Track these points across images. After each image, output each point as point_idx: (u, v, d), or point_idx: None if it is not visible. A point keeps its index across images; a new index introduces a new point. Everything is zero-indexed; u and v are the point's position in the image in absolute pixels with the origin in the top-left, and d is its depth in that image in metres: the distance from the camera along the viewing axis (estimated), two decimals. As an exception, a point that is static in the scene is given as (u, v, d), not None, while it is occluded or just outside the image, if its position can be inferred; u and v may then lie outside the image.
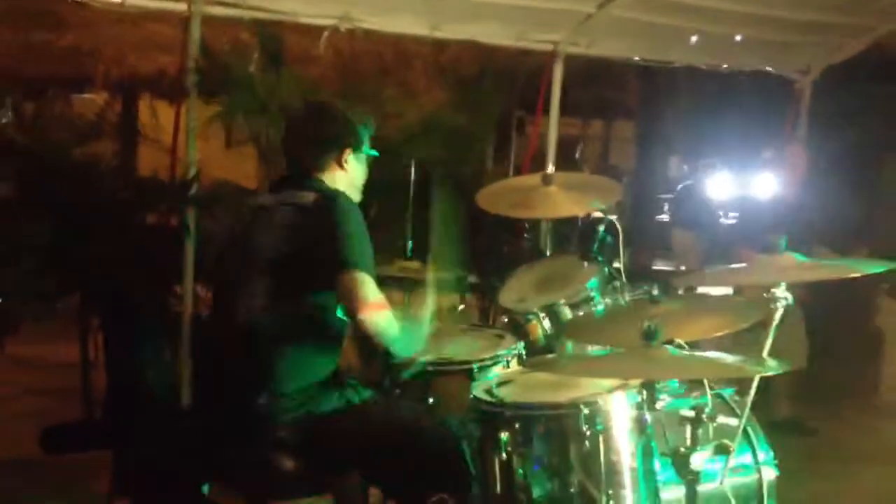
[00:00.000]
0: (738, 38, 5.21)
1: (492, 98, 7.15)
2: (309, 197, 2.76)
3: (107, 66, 6.55)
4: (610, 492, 2.64)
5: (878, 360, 5.36)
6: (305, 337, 2.71)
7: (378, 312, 2.62)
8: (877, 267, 2.64)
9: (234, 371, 2.75)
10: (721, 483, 2.62)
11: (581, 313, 3.35)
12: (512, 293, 3.58)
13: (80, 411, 4.57)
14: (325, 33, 4.65)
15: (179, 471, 3.15)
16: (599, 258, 3.51)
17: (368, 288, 2.60)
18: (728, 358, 2.50)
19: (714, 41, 5.41)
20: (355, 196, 2.94)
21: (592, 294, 3.39)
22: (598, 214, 3.60)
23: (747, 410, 2.68)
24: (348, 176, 2.93)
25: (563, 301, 3.39)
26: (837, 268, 2.81)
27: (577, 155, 8.15)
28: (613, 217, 3.58)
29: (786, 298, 2.71)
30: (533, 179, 3.66)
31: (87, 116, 4.78)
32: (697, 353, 2.48)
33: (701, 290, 3.58)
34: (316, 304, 2.69)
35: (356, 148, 2.94)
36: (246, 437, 2.66)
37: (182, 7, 4.35)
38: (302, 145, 2.93)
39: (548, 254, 3.99)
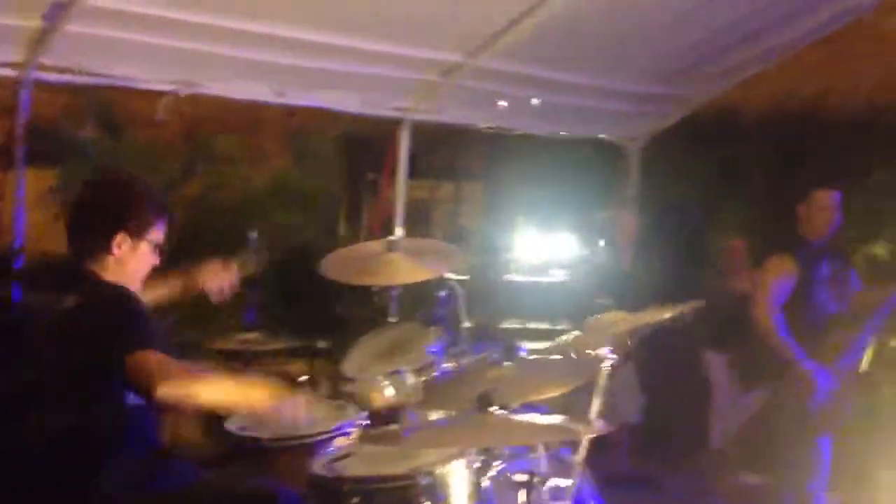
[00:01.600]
0: (534, 101, 5.45)
1: (342, 162, 7.21)
2: (69, 301, 2.54)
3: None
4: (450, 560, 2.65)
5: (707, 409, 5.60)
6: (104, 440, 2.56)
7: (172, 384, 2.40)
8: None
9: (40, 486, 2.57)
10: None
11: (425, 379, 3.38)
12: (355, 361, 3.57)
13: None
14: (164, 99, 4.58)
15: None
16: (442, 323, 3.56)
17: (153, 363, 2.41)
18: (558, 420, 2.58)
19: (551, 109, 5.67)
20: (131, 283, 2.68)
21: (436, 359, 3.44)
22: (452, 276, 3.66)
23: (578, 470, 2.76)
24: (124, 266, 2.63)
25: (406, 368, 3.42)
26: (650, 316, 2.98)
27: (428, 218, 8.27)
28: (457, 280, 3.66)
29: (610, 358, 2.85)
30: (378, 246, 3.69)
31: None
32: (528, 418, 2.54)
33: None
34: (108, 406, 2.55)
35: (136, 233, 2.63)
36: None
37: (11, 73, 4.20)
38: (74, 226, 2.65)
39: (392, 320, 4.03)
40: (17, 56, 4.13)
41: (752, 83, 6.63)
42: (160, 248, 2.70)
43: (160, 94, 4.70)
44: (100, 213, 2.64)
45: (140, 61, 4.43)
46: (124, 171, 3.89)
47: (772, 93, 7.16)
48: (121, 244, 2.61)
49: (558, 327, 5.20)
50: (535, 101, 5.46)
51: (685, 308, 3.14)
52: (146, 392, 2.39)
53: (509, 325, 6.01)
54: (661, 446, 5.69)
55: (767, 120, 7.09)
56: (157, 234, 2.68)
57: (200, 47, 4.33)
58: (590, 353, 2.99)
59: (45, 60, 4.15)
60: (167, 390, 2.36)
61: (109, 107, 4.50)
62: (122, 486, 2.55)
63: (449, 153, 8.07)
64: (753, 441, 5.55)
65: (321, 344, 4.87)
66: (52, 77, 4.25)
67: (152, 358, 2.41)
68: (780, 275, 4.22)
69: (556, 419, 2.57)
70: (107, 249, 2.60)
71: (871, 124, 5.96)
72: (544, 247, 6.75)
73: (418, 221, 7.54)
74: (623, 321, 3.05)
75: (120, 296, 2.59)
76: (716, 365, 5.50)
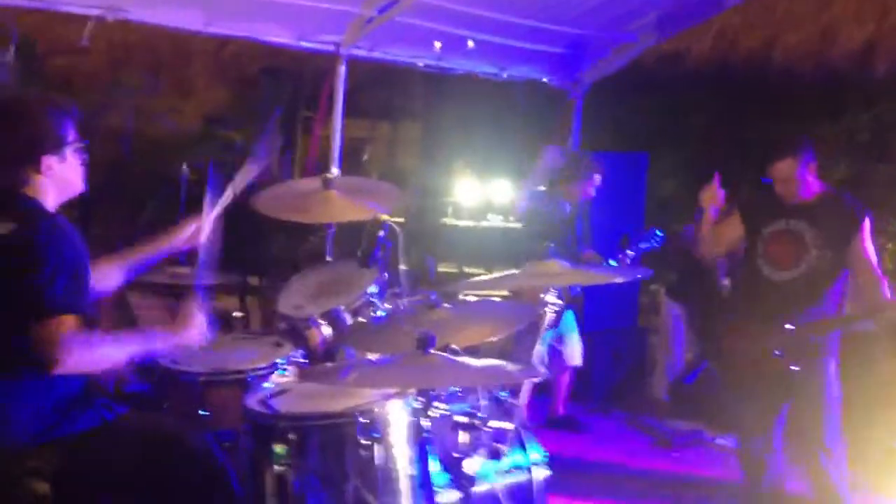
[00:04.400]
0: (470, 44, 5.32)
1: (275, 98, 7.00)
2: (7, 227, 2.47)
3: None
4: (386, 499, 2.62)
5: (653, 356, 5.62)
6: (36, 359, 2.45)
7: (71, 361, 2.40)
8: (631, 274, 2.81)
9: None
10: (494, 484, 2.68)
11: (361, 319, 3.32)
12: (290, 299, 3.49)
13: None
14: (89, 24, 4.32)
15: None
16: (379, 263, 3.49)
17: (59, 335, 2.39)
18: (499, 364, 2.55)
19: (491, 50, 5.56)
20: (75, 189, 2.68)
21: (373, 300, 3.38)
22: (385, 218, 3.57)
23: (519, 413, 2.75)
24: (56, 181, 2.60)
25: (343, 307, 3.35)
26: (597, 275, 2.95)
27: (364, 157, 8.13)
28: (395, 221, 3.57)
29: (555, 304, 2.82)
30: (313, 183, 3.56)
31: None
32: (469, 360, 2.50)
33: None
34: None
35: (58, 149, 2.59)
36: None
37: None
38: None
39: (328, 259, 3.92)
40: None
41: (694, 33, 6.63)
42: (83, 146, 2.67)
43: (85, 19, 4.45)
44: (14, 148, 2.58)
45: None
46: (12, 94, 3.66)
47: (714, 44, 7.18)
48: (50, 166, 2.58)
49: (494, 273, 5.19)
50: (470, 42, 5.33)
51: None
52: (45, 363, 2.39)
53: (446, 269, 5.97)
54: (597, 391, 5.75)
55: (709, 69, 7.12)
56: (75, 135, 2.65)
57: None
58: (533, 297, 2.95)
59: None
60: (66, 366, 2.40)
61: (29, 35, 4.21)
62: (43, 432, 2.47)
63: (386, 92, 7.92)
64: (690, 392, 5.64)
65: (255, 281, 4.75)
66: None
67: (60, 328, 2.40)
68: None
69: (497, 363, 2.54)
70: (36, 172, 2.56)
71: (812, 77, 6.01)
72: (482, 191, 6.70)
73: (354, 161, 7.41)
74: (560, 272, 2.97)
75: (53, 235, 2.49)
76: (672, 315, 5.52)
